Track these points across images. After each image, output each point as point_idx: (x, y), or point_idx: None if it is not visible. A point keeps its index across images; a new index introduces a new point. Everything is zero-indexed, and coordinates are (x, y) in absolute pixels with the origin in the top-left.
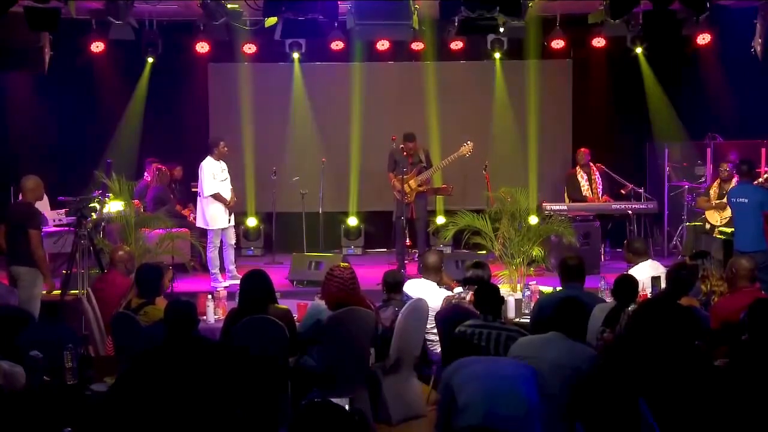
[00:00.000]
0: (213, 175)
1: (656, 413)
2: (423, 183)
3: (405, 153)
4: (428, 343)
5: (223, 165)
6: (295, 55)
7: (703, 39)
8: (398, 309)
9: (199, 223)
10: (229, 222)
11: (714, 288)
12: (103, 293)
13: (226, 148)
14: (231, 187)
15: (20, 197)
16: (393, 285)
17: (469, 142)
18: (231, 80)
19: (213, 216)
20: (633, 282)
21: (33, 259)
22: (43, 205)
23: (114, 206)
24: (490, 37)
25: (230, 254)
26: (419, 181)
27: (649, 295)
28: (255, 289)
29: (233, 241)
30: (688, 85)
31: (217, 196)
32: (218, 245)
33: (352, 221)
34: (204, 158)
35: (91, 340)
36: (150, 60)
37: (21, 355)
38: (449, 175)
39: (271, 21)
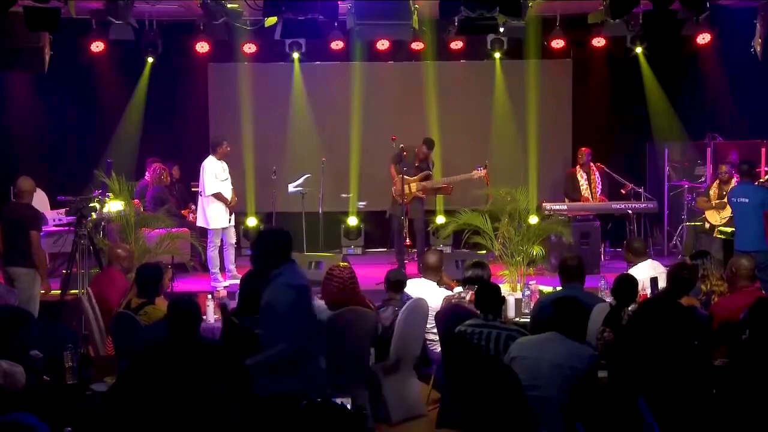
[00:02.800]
0: (215, 175)
1: (656, 413)
2: (423, 190)
3: (417, 159)
4: (428, 343)
5: (224, 165)
6: (295, 55)
7: (703, 39)
8: (398, 309)
9: (200, 223)
10: (230, 222)
11: (714, 288)
12: (101, 291)
13: (228, 148)
14: (232, 187)
15: (16, 198)
16: (395, 284)
17: (483, 170)
18: (231, 80)
19: (213, 215)
20: (632, 282)
21: (32, 260)
22: (43, 205)
23: (114, 206)
24: (490, 37)
25: (230, 254)
26: (420, 186)
27: (648, 295)
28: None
29: (233, 241)
30: (688, 85)
31: (218, 196)
32: (218, 245)
33: (352, 221)
34: (205, 158)
35: (91, 340)
36: (150, 60)
37: (21, 355)
38: (449, 175)
39: (271, 21)
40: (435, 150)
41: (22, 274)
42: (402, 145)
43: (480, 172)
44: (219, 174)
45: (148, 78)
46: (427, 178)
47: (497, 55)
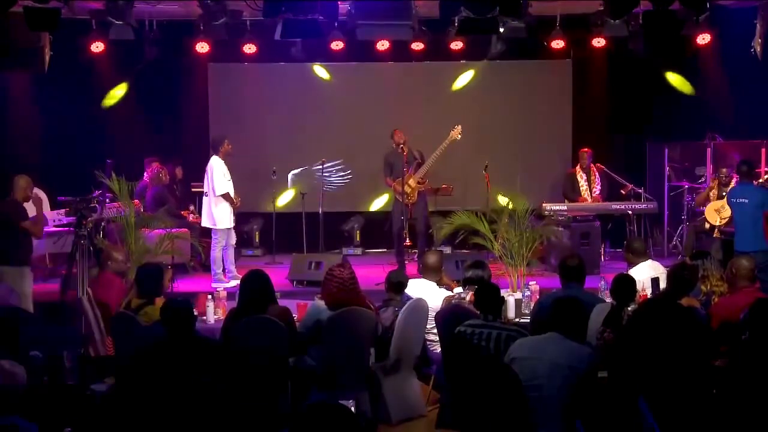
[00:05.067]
0: (223, 174)
1: (656, 413)
2: (422, 180)
3: (400, 149)
4: (428, 343)
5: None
6: (304, 57)
7: (703, 39)
8: (398, 309)
9: (205, 223)
10: (232, 222)
11: (714, 288)
12: (96, 295)
13: (230, 146)
14: (233, 188)
15: (8, 195)
16: (395, 285)
17: (457, 126)
18: (231, 80)
19: (220, 216)
20: (630, 281)
21: (19, 258)
22: (43, 206)
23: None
24: (490, 37)
25: (231, 254)
26: (418, 178)
27: (649, 296)
28: (255, 289)
29: (233, 242)
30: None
31: (226, 196)
32: (224, 245)
33: (353, 221)
34: (206, 158)
35: (91, 339)
36: (150, 60)
37: (21, 355)
38: (449, 175)
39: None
40: (434, 149)
41: (8, 272)
42: (401, 146)
43: (456, 130)
44: (226, 173)
45: (148, 78)
46: (419, 166)
47: (497, 55)
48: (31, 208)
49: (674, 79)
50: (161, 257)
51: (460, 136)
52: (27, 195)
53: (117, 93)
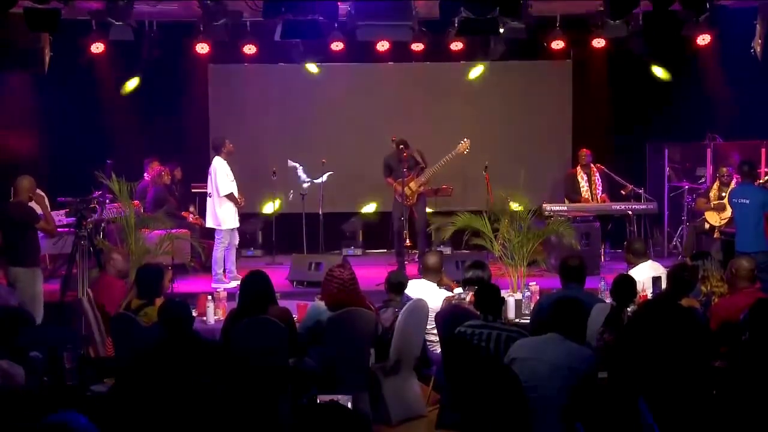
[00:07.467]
0: (226, 174)
1: (656, 414)
2: (423, 184)
3: (400, 159)
4: (428, 343)
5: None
6: (305, 58)
7: (703, 39)
8: (398, 310)
9: (209, 223)
10: (236, 223)
11: (714, 289)
12: (97, 297)
13: (231, 146)
14: (237, 188)
15: (14, 196)
16: (395, 285)
17: (465, 140)
18: (231, 81)
19: (225, 216)
20: (631, 282)
21: (31, 260)
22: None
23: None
24: (490, 37)
25: (232, 255)
26: (420, 182)
27: (649, 296)
28: (255, 289)
29: (236, 242)
30: (688, 86)
31: (230, 196)
32: (226, 246)
33: (353, 221)
34: (206, 159)
35: (91, 340)
36: (150, 61)
37: (22, 356)
38: (449, 175)
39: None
40: (434, 149)
41: (21, 274)
42: (402, 147)
43: (464, 144)
44: (229, 174)
45: (148, 79)
46: (421, 171)
47: (497, 56)
48: (35, 208)
49: (658, 71)
50: (161, 258)
51: (467, 151)
52: (31, 196)
53: (131, 85)
